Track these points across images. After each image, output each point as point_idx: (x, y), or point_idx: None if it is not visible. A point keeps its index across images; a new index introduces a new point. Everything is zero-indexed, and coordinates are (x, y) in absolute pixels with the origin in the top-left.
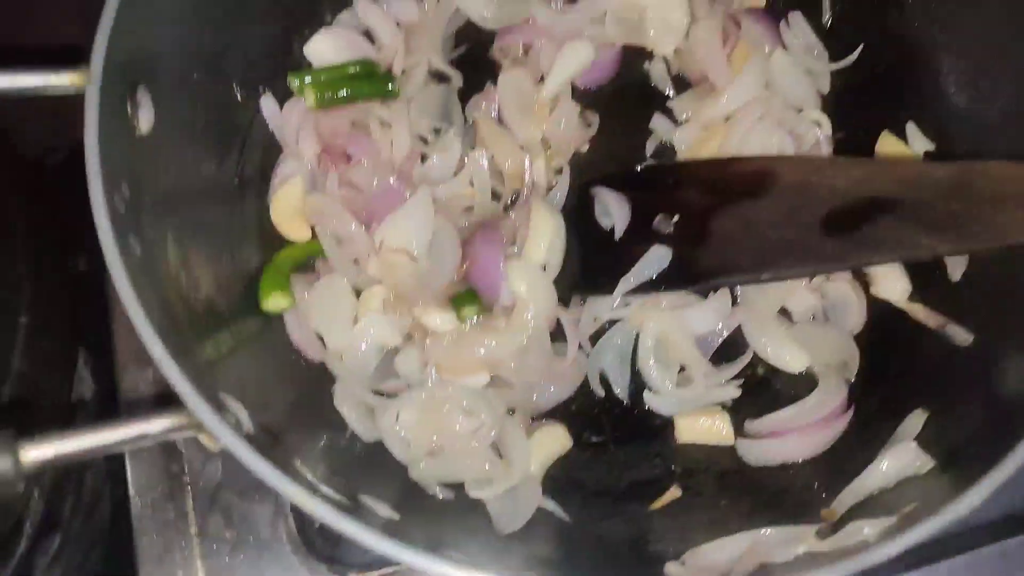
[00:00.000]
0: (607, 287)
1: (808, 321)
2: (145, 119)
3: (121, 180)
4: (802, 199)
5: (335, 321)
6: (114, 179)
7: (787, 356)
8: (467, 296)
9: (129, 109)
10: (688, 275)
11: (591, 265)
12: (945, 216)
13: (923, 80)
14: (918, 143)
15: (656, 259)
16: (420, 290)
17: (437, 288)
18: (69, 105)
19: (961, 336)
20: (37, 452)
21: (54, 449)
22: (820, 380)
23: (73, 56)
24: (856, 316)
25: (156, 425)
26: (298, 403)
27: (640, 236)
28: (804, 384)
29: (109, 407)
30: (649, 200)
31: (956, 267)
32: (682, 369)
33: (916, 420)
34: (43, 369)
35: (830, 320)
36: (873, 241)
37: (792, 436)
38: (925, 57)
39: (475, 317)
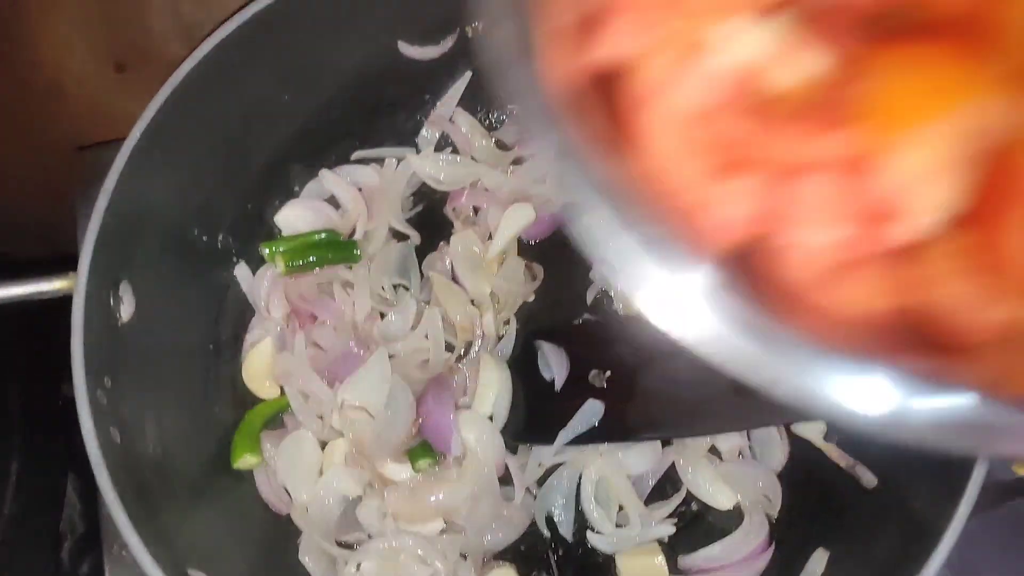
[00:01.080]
0: (548, 437)
1: (735, 459)
2: (126, 309)
3: (104, 375)
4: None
5: (301, 474)
6: (98, 376)
7: (717, 494)
8: (421, 449)
9: (112, 302)
10: (619, 429)
11: (535, 415)
12: None
13: None
14: None
15: (590, 413)
16: (378, 444)
17: (394, 442)
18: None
19: (867, 477)
20: None
21: None
22: (745, 516)
23: (65, 263)
24: (779, 454)
25: None
26: (264, 557)
27: (577, 389)
28: (735, 519)
29: (95, 531)
30: (585, 354)
31: None
32: (622, 508)
33: (819, 559)
34: (33, 508)
35: (756, 458)
36: (775, 406)
37: (720, 573)
38: None
39: (429, 467)
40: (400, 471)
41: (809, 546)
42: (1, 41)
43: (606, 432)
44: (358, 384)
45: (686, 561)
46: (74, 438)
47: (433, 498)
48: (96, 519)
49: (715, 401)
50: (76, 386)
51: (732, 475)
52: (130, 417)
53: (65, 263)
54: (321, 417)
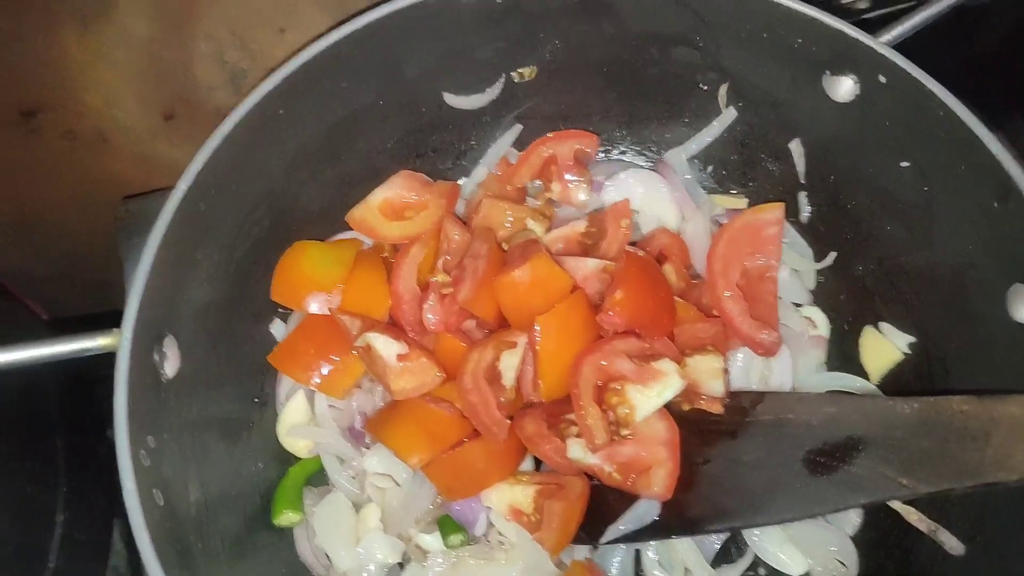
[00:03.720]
0: (594, 531)
1: (806, 522)
2: (171, 365)
3: (147, 434)
4: (780, 437)
5: (338, 538)
6: (141, 436)
7: (786, 558)
8: (452, 522)
9: (156, 358)
10: (679, 523)
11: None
12: (917, 455)
13: (897, 278)
14: (898, 339)
15: (645, 510)
16: (405, 513)
17: (420, 511)
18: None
19: (952, 543)
20: None
21: None
22: None
23: (110, 319)
24: (854, 516)
25: None
26: None
27: None
28: None
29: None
30: None
31: None
32: (687, 572)
33: None
34: (80, 559)
35: (828, 520)
36: (854, 482)
37: None
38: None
39: (460, 543)
40: (433, 542)
41: None
42: (49, 90)
43: (664, 528)
44: (384, 451)
45: None
46: (119, 484)
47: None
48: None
49: (787, 483)
50: (119, 450)
51: (803, 538)
52: (173, 476)
53: (110, 319)
54: (355, 477)
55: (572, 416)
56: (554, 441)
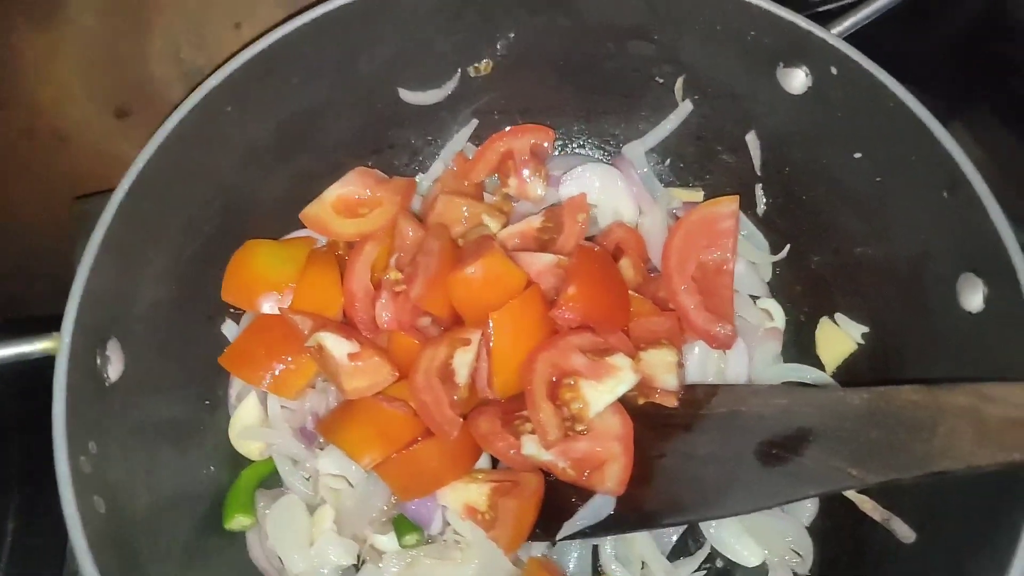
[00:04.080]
0: (548, 529)
1: (763, 513)
2: (115, 369)
3: (88, 439)
4: (733, 430)
5: (292, 541)
6: (81, 441)
7: (743, 550)
8: (407, 523)
9: (99, 362)
10: (635, 518)
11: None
12: (867, 445)
13: (853, 269)
14: (853, 330)
15: (600, 506)
16: (359, 514)
17: (375, 512)
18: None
19: (904, 532)
20: None
21: None
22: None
23: (52, 323)
24: (809, 507)
25: None
26: None
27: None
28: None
29: None
30: None
31: None
32: (644, 566)
33: None
34: (31, 569)
35: (784, 511)
36: (805, 474)
37: None
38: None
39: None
40: (389, 542)
41: None
42: (3, 87)
43: (621, 522)
44: (337, 452)
45: None
46: None
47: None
48: None
49: (740, 476)
50: (57, 456)
51: (759, 529)
52: (119, 482)
53: (52, 323)
54: (309, 479)
55: (526, 413)
56: (508, 439)
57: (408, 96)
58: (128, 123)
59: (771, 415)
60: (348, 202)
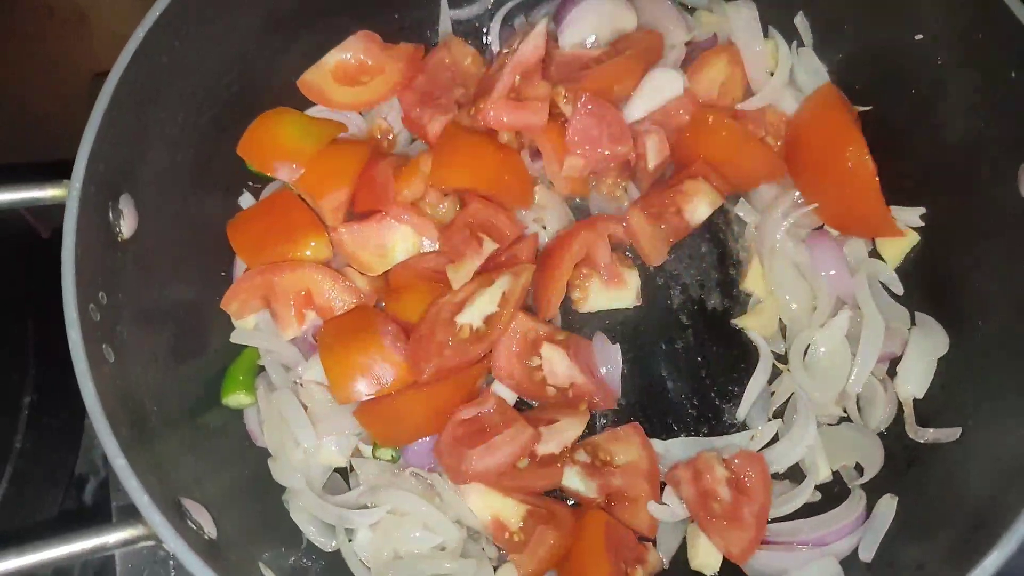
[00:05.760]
0: None
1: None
2: (128, 225)
3: (98, 290)
4: None
5: (284, 438)
6: (91, 288)
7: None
8: None
9: (111, 216)
10: None
11: None
12: None
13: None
14: (909, 217)
15: None
16: (336, 419)
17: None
18: None
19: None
20: None
21: (6, 566)
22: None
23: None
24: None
25: (115, 537)
26: (256, 489)
27: None
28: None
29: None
30: None
31: None
32: None
33: (888, 504)
34: (48, 445)
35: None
36: None
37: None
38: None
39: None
40: (367, 449)
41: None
42: None
43: None
44: (314, 363)
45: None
46: None
47: None
48: None
49: None
50: (65, 299)
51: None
52: (129, 338)
53: (64, 172)
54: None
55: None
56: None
57: None
58: (148, 4)
59: None
60: (348, 69)
